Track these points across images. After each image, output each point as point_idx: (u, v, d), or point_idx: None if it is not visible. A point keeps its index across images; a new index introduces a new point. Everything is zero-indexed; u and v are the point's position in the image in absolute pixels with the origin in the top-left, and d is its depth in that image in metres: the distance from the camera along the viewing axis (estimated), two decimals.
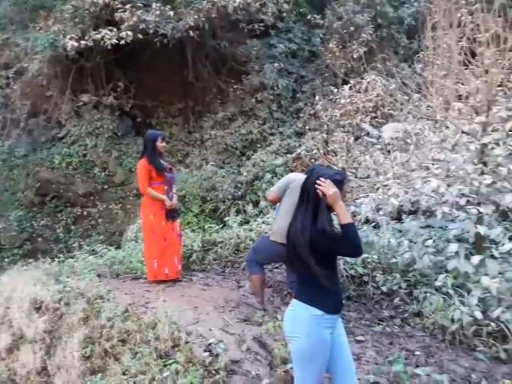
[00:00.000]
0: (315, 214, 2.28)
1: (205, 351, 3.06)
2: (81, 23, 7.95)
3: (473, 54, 5.66)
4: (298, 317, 2.25)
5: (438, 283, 3.93)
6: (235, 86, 9.18)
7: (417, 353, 3.57)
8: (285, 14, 9.23)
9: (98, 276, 4.62)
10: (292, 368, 3.06)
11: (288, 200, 3.79)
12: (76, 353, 3.12)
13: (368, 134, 7.66)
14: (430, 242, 4.42)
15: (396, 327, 3.99)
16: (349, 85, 8.01)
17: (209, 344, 3.13)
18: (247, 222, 5.98)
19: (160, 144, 4.57)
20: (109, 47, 7.64)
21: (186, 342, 3.11)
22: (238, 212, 6.63)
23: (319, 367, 2.26)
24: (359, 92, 7.95)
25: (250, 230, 5.42)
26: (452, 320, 3.69)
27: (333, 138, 7.37)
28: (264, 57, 9.46)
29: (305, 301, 2.25)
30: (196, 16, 7.42)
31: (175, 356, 2.99)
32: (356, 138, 7.66)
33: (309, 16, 9.39)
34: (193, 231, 6.48)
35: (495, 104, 4.87)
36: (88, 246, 6.21)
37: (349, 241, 2.21)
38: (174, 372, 2.84)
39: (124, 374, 2.91)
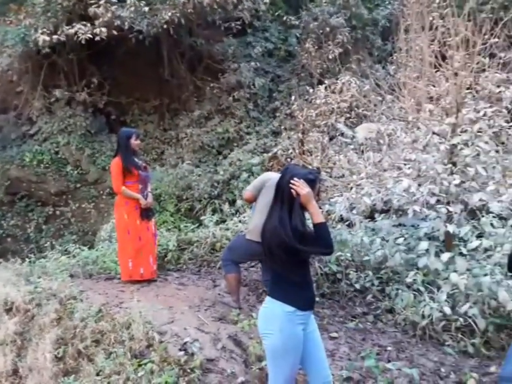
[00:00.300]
0: (290, 213, 2.30)
1: (180, 350, 3.06)
2: (54, 17, 7.77)
3: (444, 57, 5.82)
4: (271, 314, 2.28)
5: (409, 280, 4.04)
6: (212, 84, 9.15)
7: (389, 348, 3.66)
8: (261, 13, 9.27)
9: (71, 276, 4.54)
10: (266, 365, 3.10)
11: (264, 199, 3.83)
12: (48, 354, 3.07)
13: (342, 134, 7.77)
14: (401, 240, 4.53)
15: (368, 323, 4.08)
16: (324, 86, 8.11)
17: (185, 343, 3.13)
18: (223, 221, 5.98)
19: (134, 142, 4.52)
20: (83, 42, 7.49)
21: (161, 342, 3.10)
22: (214, 211, 6.63)
23: (292, 362, 2.29)
24: (334, 93, 8.06)
25: (227, 229, 5.42)
26: (422, 316, 3.80)
27: (308, 138, 7.45)
28: (241, 56, 9.48)
29: (278, 298, 2.28)
30: (171, 12, 7.34)
31: (150, 355, 2.98)
32: (331, 138, 7.76)
33: (284, 18, 9.45)
34: (168, 230, 6.44)
35: (464, 106, 5.03)
36: (61, 246, 6.10)
37: (321, 240, 2.25)
38: (149, 371, 2.83)
39: (97, 374, 2.88)
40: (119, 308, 3.59)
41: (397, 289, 4.18)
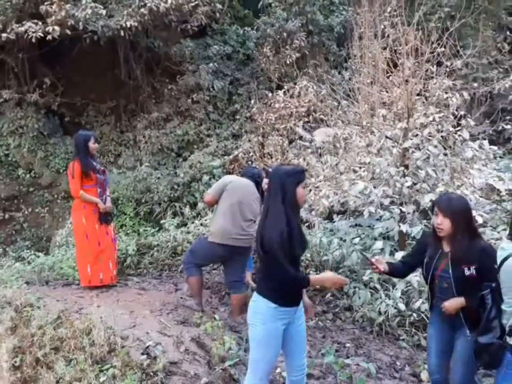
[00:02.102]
0: (288, 214, 2.37)
1: (142, 354, 3.04)
2: (2, 15, 7.42)
3: (396, 64, 6.09)
4: (257, 308, 2.45)
5: (365, 278, 4.21)
6: (170, 86, 9.05)
7: (347, 345, 3.80)
8: (218, 15, 9.29)
9: (27, 283, 4.38)
10: (230, 366, 3.14)
11: (226, 201, 3.86)
12: (5, 363, 2.95)
13: (301, 137, 7.95)
14: (357, 240, 4.71)
15: (328, 321, 4.22)
16: (283, 90, 8.26)
17: (147, 347, 3.11)
18: (184, 225, 5.95)
19: (92, 145, 4.45)
20: (34, 41, 7.22)
21: (123, 346, 3.07)
22: (175, 214, 6.56)
23: (271, 352, 2.46)
24: (293, 97, 8.22)
25: (188, 233, 5.40)
26: (379, 313, 3.98)
27: (268, 141, 7.56)
28: (199, 58, 9.44)
29: (263, 294, 2.44)
30: (128, 22, 7.23)
31: (112, 360, 2.94)
32: (290, 142, 7.91)
33: (241, 26, 9.53)
34: (127, 234, 6.32)
35: (415, 112, 5.29)
36: (14, 252, 5.83)
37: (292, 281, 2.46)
38: (111, 376, 2.80)
39: (57, 382, 2.81)
40: (78, 314, 3.51)
41: (355, 287, 4.34)
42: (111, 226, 4.58)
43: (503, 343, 2.08)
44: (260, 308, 2.43)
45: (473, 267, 2.44)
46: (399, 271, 2.83)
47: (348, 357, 3.53)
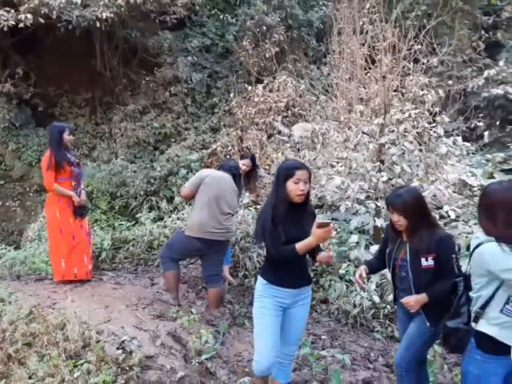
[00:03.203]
0: (276, 207, 2.57)
1: (117, 348, 3.00)
2: None
3: (373, 61, 6.16)
4: (256, 286, 2.72)
5: (341, 271, 4.26)
6: (147, 78, 8.92)
7: (323, 337, 3.85)
8: (198, 8, 9.18)
9: None
10: (206, 359, 3.15)
11: (203, 195, 3.84)
12: None
13: (280, 132, 7.96)
14: (333, 233, 4.74)
15: None
16: (262, 84, 8.25)
17: (122, 341, 3.07)
18: (161, 219, 5.88)
19: (67, 137, 4.35)
20: (6, 29, 6.98)
21: (98, 341, 3.02)
22: (151, 208, 6.47)
23: (266, 328, 2.60)
24: (272, 91, 8.22)
25: (165, 227, 5.34)
26: (354, 305, 4.04)
27: (247, 135, 7.55)
28: (178, 50, 9.32)
29: (260, 273, 2.73)
30: (104, 13, 7.06)
31: (86, 355, 2.89)
32: (269, 136, 7.91)
33: (221, 16, 9.44)
34: (102, 229, 6.21)
35: (391, 108, 5.37)
36: None
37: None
38: (85, 371, 2.76)
39: (30, 378, 2.75)
40: (51, 309, 3.43)
41: (331, 280, 4.39)
42: (85, 220, 4.49)
43: (469, 328, 2.15)
44: (257, 285, 2.71)
45: (431, 257, 2.48)
46: (375, 268, 2.93)
47: (323, 349, 3.58)
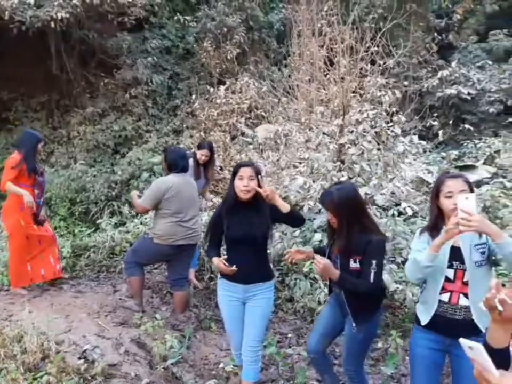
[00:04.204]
0: (225, 204, 2.76)
1: (79, 358, 2.92)
2: None
3: (332, 62, 6.28)
4: None
5: (305, 269, 4.31)
6: (106, 80, 8.72)
7: (289, 335, 3.89)
8: (157, 9, 9.06)
9: None
10: (172, 364, 3.11)
11: (169, 207, 3.69)
12: None
13: (243, 134, 7.99)
14: (298, 233, 4.81)
15: (270, 313, 4.27)
16: (224, 86, 8.24)
17: (84, 351, 2.99)
18: (123, 224, 5.76)
19: (40, 147, 4.35)
20: None
21: (58, 352, 2.93)
22: (112, 214, 6.32)
23: (227, 317, 2.82)
24: (234, 93, 8.23)
25: (127, 232, 5.23)
26: (318, 302, 4.10)
27: (210, 137, 7.51)
28: (137, 51, 9.17)
29: None
30: (59, 13, 6.85)
31: (46, 367, 2.80)
32: (233, 138, 7.92)
33: (181, 19, 9.36)
34: (61, 236, 6.00)
35: (350, 109, 5.49)
36: None
37: (300, 217, 2.88)
38: (46, 383, 2.67)
39: None
40: (8, 321, 3.30)
41: (295, 279, 4.43)
42: (46, 224, 4.43)
43: None
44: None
45: (359, 259, 2.40)
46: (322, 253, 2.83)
47: (289, 347, 3.61)
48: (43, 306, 3.77)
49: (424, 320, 2.22)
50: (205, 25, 9.40)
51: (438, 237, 2.08)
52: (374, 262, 2.36)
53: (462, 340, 1.28)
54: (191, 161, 4.60)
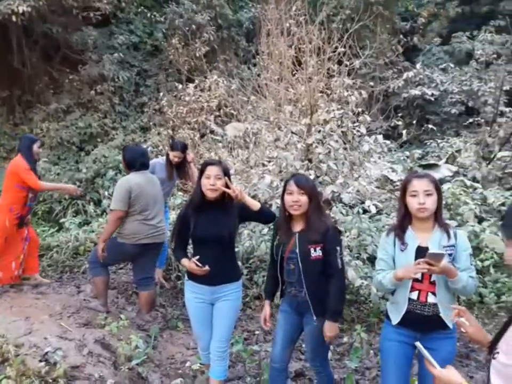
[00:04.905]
0: (191, 204, 2.76)
1: (40, 361, 2.84)
2: None
3: (300, 62, 6.34)
4: None
5: None
6: (71, 76, 8.50)
7: (257, 332, 3.91)
8: (124, 4, 8.90)
9: None
10: (137, 364, 3.07)
11: (134, 206, 3.65)
12: None
13: (213, 132, 7.95)
14: (266, 231, 4.84)
15: (238, 313, 4.28)
16: (193, 84, 8.18)
17: (45, 353, 2.91)
18: (88, 223, 5.63)
19: (37, 149, 4.34)
20: None
21: (17, 355, 2.84)
22: (77, 213, 6.16)
23: (193, 320, 2.81)
24: (203, 91, 8.18)
25: (92, 231, 5.11)
26: None
27: (179, 134, 7.44)
28: (103, 47, 8.98)
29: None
30: (19, 1, 6.62)
31: (5, 371, 2.70)
32: (202, 136, 7.87)
33: (149, 14, 9.24)
34: None
35: (318, 108, 5.55)
36: None
37: (269, 213, 2.83)
38: None
39: None
40: None
41: (264, 276, 4.46)
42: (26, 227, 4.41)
43: None
44: None
45: (319, 247, 2.42)
46: (275, 290, 2.82)
47: (256, 344, 3.63)
48: (2, 308, 3.65)
49: (395, 319, 2.28)
50: (173, 22, 9.31)
51: (402, 271, 2.17)
52: (338, 248, 2.45)
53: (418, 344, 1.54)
54: (162, 160, 4.52)
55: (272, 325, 4.00)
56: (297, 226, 2.54)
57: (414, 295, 2.20)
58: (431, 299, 2.18)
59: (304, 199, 2.45)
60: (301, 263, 2.45)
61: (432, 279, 2.18)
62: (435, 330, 2.19)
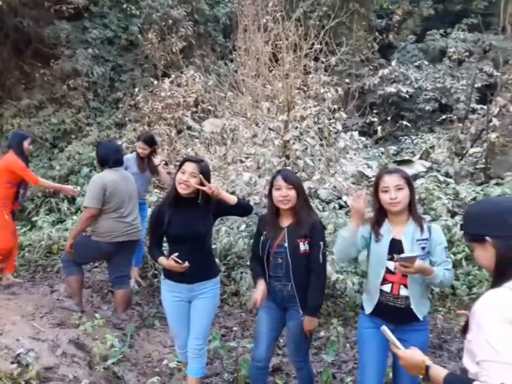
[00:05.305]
0: (166, 201, 2.73)
1: (12, 363, 2.77)
2: None
3: (277, 58, 6.34)
4: None
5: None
6: (43, 71, 8.28)
7: (234, 328, 3.91)
8: None
9: None
10: (113, 364, 3.03)
11: (109, 204, 3.59)
12: None
13: (190, 128, 7.89)
14: (244, 227, 4.84)
15: (216, 310, 4.27)
16: (169, 79, 8.08)
17: (18, 355, 2.84)
18: (62, 221, 5.51)
19: (27, 146, 4.31)
20: None
21: None
22: (50, 211, 6.02)
23: (170, 318, 2.79)
24: (180, 86, 8.10)
25: (66, 230, 5.00)
26: None
27: (155, 130, 7.36)
28: (77, 41, 8.77)
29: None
30: None
31: None
32: (179, 132, 7.79)
33: (124, 6, 9.07)
34: None
35: (295, 105, 5.58)
36: None
37: (246, 206, 2.83)
38: None
39: None
40: None
41: (242, 272, 4.46)
42: None
43: None
44: None
45: (307, 242, 2.47)
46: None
47: (234, 340, 3.63)
48: None
49: (368, 309, 2.33)
50: (149, 16, 9.17)
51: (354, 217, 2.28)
52: (321, 243, 2.49)
53: (383, 327, 1.61)
54: (133, 155, 4.50)
55: (250, 322, 4.03)
56: (286, 221, 2.56)
57: (387, 288, 2.24)
58: (403, 292, 2.22)
59: (292, 193, 2.49)
60: (290, 257, 2.48)
61: None
62: (408, 322, 2.24)
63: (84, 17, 9.05)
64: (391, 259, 2.23)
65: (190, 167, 2.56)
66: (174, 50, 8.87)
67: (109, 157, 3.70)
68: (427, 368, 1.41)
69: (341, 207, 4.75)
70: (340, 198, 4.86)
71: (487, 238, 1.38)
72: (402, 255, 2.09)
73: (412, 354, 1.48)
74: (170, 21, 9.13)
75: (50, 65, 8.30)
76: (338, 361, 3.42)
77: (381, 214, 2.29)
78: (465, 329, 1.45)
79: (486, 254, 1.39)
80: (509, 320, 1.23)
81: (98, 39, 8.92)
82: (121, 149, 4.11)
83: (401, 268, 2.09)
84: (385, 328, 1.61)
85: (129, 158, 4.40)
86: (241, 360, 3.16)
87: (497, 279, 1.36)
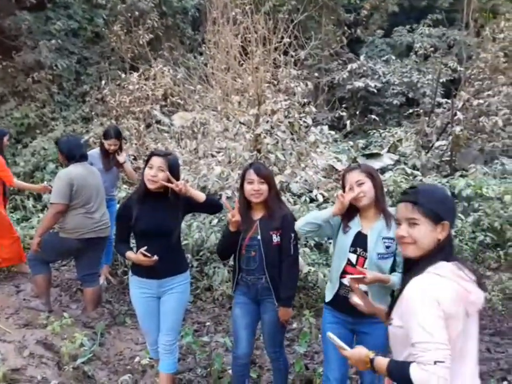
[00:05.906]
0: (135, 196, 2.73)
1: None
2: None
3: (247, 52, 6.32)
4: None
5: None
6: (4, 63, 7.95)
7: (207, 323, 3.91)
8: None
9: None
10: (83, 363, 2.98)
11: (76, 199, 3.51)
12: None
13: (159, 121, 7.77)
14: (215, 222, 4.83)
15: (189, 303, 4.25)
16: (137, 72, 7.92)
17: None
18: (27, 219, 5.34)
19: (6, 142, 4.41)
20: None
21: None
22: (15, 208, 5.82)
23: (139, 315, 2.77)
24: (148, 79, 7.95)
25: (32, 228, 4.85)
26: None
27: (123, 124, 7.20)
28: (39, 32, 8.45)
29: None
30: None
31: None
32: (148, 126, 7.66)
33: None
34: None
35: (265, 98, 5.58)
36: None
37: (215, 204, 2.85)
38: None
39: None
40: None
41: (214, 267, 4.46)
42: None
43: None
44: None
45: (279, 234, 2.51)
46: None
47: (207, 335, 3.63)
48: None
49: (328, 297, 2.39)
50: (115, 8, 8.94)
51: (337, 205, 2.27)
52: (292, 235, 2.51)
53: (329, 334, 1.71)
54: (96, 151, 4.35)
55: (223, 316, 4.04)
56: (257, 214, 2.58)
57: (347, 281, 2.24)
58: (362, 286, 2.21)
59: (264, 187, 2.51)
60: (263, 249, 2.50)
61: (364, 266, 2.25)
62: (368, 316, 2.28)
63: (46, 8, 8.72)
64: (354, 251, 2.27)
65: (157, 161, 2.53)
66: (141, 42, 8.67)
67: (74, 152, 3.62)
68: (371, 361, 1.50)
69: (312, 200, 4.80)
70: (310, 191, 4.91)
71: (445, 221, 1.48)
72: (350, 277, 2.08)
73: (357, 352, 1.56)
74: (137, 13, 8.92)
75: (12, 57, 7.98)
76: (310, 352, 3.48)
77: (353, 209, 2.31)
78: (388, 315, 1.56)
79: (431, 234, 1.48)
80: (438, 302, 1.35)
81: (62, 30, 8.61)
82: (84, 144, 4.01)
83: (354, 285, 2.00)
84: (330, 335, 1.69)
85: (93, 154, 4.22)
86: (214, 354, 3.16)
87: (426, 263, 1.47)
